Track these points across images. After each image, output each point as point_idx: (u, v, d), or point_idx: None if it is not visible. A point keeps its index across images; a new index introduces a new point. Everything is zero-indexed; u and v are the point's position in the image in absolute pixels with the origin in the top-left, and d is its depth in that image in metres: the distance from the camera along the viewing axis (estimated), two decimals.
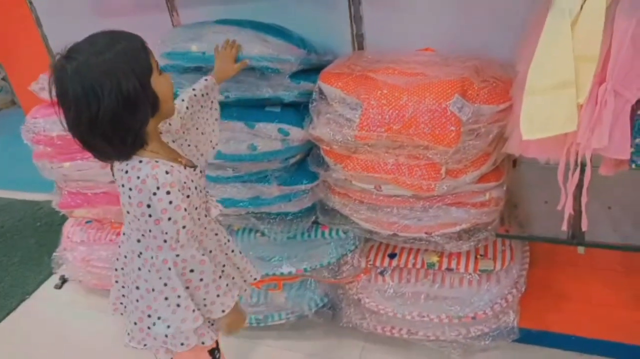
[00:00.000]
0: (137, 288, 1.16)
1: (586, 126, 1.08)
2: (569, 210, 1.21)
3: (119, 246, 1.23)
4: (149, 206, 1.02)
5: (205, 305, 1.15)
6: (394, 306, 1.69)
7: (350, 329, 1.80)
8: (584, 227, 1.21)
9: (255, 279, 1.41)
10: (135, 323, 1.20)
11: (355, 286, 1.76)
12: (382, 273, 1.75)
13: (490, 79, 1.39)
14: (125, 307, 1.26)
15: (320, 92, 1.55)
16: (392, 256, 1.75)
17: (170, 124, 1.21)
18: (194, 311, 1.12)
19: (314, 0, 1.74)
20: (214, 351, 1.30)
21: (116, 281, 1.27)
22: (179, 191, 1.03)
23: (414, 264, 1.70)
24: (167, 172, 1.02)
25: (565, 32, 1.06)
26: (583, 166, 1.15)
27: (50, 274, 2.41)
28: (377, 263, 1.75)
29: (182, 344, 1.17)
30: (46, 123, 1.82)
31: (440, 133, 1.32)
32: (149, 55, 1.04)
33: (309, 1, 1.75)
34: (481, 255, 1.68)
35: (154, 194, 1.01)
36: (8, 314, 2.26)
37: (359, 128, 1.42)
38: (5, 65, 2.59)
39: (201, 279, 1.11)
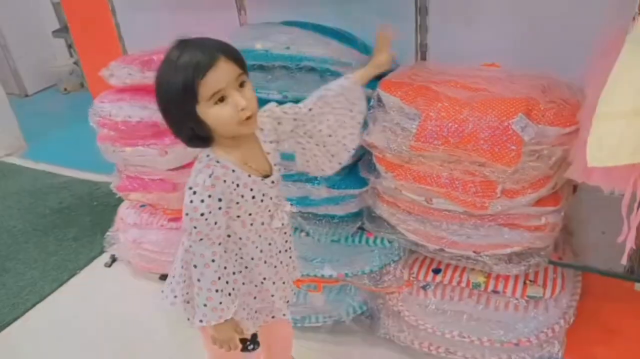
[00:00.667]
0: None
1: None
2: (630, 244, 1.15)
3: None
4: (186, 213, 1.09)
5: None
6: (434, 322, 1.66)
7: (386, 341, 1.78)
8: None
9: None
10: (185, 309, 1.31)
11: (396, 297, 1.74)
12: (424, 288, 1.72)
13: (558, 100, 1.35)
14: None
15: (379, 99, 1.54)
16: (436, 271, 1.72)
17: (262, 129, 1.19)
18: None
19: (381, 7, 1.73)
20: (246, 341, 1.31)
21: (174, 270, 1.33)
22: (213, 196, 1.07)
23: (458, 283, 1.66)
24: (210, 176, 1.06)
25: None
26: None
27: (102, 252, 2.51)
28: (420, 277, 1.72)
29: (200, 321, 1.19)
30: (112, 108, 1.90)
31: (499, 151, 1.29)
32: (194, 87, 0.98)
33: (375, 8, 1.75)
34: (530, 281, 1.62)
35: (189, 188, 1.08)
36: (60, 286, 2.38)
37: (415, 139, 1.40)
38: (79, 50, 2.71)
39: (198, 280, 1.14)
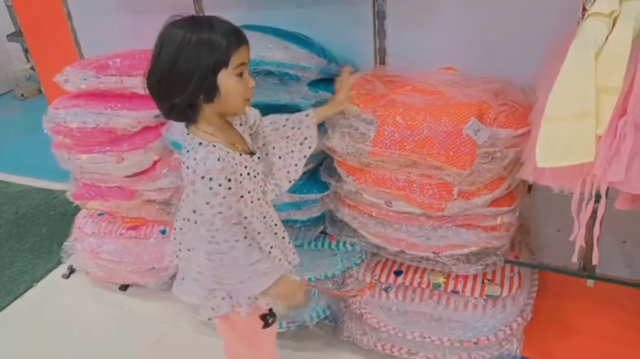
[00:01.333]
0: (188, 249, 1.28)
1: (603, 158, 1.06)
2: (580, 242, 1.19)
3: (179, 210, 1.32)
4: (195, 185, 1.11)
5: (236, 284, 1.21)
6: (396, 324, 1.67)
7: (350, 344, 1.78)
8: (594, 261, 1.18)
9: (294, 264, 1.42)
10: (183, 278, 1.33)
11: (359, 300, 1.75)
12: (386, 290, 1.73)
13: (510, 103, 1.38)
14: (180, 260, 1.34)
15: None
16: (398, 273, 1.73)
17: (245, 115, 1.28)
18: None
19: (340, 12, 1.75)
20: (266, 316, 1.34)
21: (174, 238, 1.33)
22: (226, 178, 1.10)
23: (419, 284, 1.68)
24: (219, 159, 1.09)
25: (588, 62, 1.05)
26: (598, 197, 1.13)
27: (59, 263, 2.43)
28: (383, 279, 1.73)
29: (212, 309, 1.26)
30: (67, 114, 1.85)
31: (454, 155, 1.31)
32: (230, 52, 1.07)
33: (334, 13, 1.76)
34: (489, 280, 1.65)
35: (202, 177, 1.08)
36: (15, 299, 2.29)
37: (373, 144, 1.41)
38: (34, 55, 2.63)
39: (233, 263, 1.16)
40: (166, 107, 1.11)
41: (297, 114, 1.37)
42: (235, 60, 1.08)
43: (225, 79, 1.08)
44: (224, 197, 1.10)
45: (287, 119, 1.35)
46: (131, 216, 2.11)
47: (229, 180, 1.11)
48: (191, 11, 1.98)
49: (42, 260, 2.50)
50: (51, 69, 2.05)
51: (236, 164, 1.14)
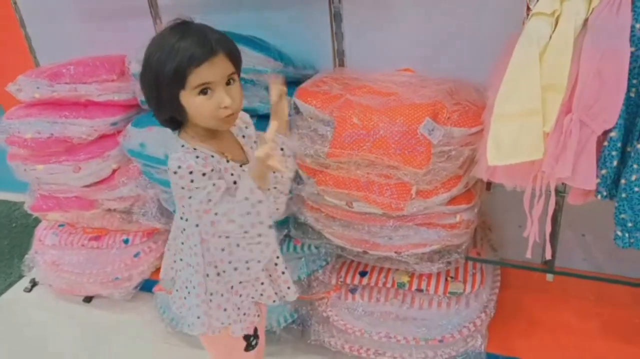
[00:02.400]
0: (181, 259, 1.20)
1: (551, 155, 1.08)
2: (534, 237, 1.21)
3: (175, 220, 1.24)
4: (182, 187, 1.03)
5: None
6: (362, 325, 1.67)
7: (318, 347, 1.77)
8: (547, 256, 1.20)
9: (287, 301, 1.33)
10: (177, 290, 1.24)
11: (325, 303, 1.74)
12: (352, 291, 1.74)
13: (464, 102, 1.40)
14: (175, 272, 1.27)
15: (296, 107, 1.55)
16: (363, 274, 1.74)
17: (235, 125, 1.16)
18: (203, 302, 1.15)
19: (297, 15, 1.75)
20: (250, 338, 1.27)
21: (168, 249, 1.29)
22: (203, 175, 1.02)
23: (384, 284, 1.69)
24: (197, 157, 1.03)
25: (533, 61, 1.07)
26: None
27: (21, 276, 2.37)
28: (348, 280, 1.73)
29: (190, 324, 1.18)
30: (21, 124, 1.80)
31: (409, 155, 1.32)
32: (186, 73, 0.97)
33: (292, 16, 1.76)
34: (451, 277, 1.67)
35: (174, 172, 1.02)
36: None
37: (331, 146, 1.41)
38: None
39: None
40: (159, 115, 1.07)
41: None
42: (192, 81, 0.98)
43: (187, 100, 1.01)
44: (207, 189, 1.02)
45: None
46: (92, 226, 2.07)
47: (204, 175, 1.02)
48: (147, 17, 1.96)
49: (3, 274, 2.43)
50: (6, 77, 1.99)
51: (221, 170, 1.07)
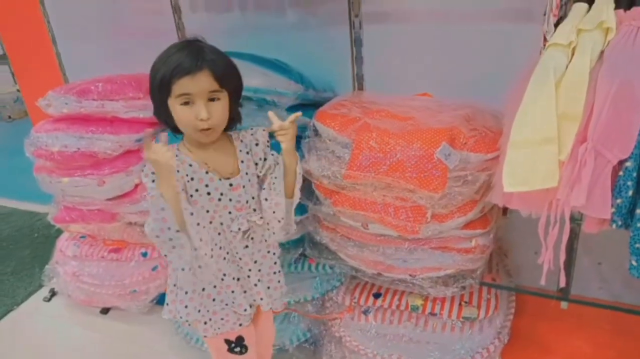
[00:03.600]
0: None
1: (566, 183, 1.09)
2: (547, 265, 1.21)
3: None
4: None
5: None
6: (374, 346, 1.67)
7: None
8: (562, 284, 1.20)
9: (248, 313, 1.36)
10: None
11: (338, 323, 1.75)
12: (365, 312, 1.74)
13: (480, 128, 1.41)
14: None
15: (315, 128, 1.58)
16: (377, 295, 1.74)
17: (242, 141, 1.25)
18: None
19: (318, 39, 1.79)
20: (230, 343, 1.34)
21: None
22: (152, 173, 1.13)
23: (397, 306, 1.69)
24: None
25: (549, 90, 1.08)
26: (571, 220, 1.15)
27: (41, 286, 2.41)
28: (362, 302, 1.74)
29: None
30: (48, 138, 1.86)
31: (426, 178, 1.34)
32: (172, 81, 1.08)
33: (313, 40, 1.81)
34: (466, 302, 1.67)
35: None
36: None
37: (348, 167, 1.44)
38: (18, 78, 2.66)
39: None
40: (159, 120, 1.20)
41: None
42: (175, 90, 1.09)
43: (172, 107, 1.12)
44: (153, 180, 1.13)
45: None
46: (113, 238, 2.11)
47: (152, 173, 1.13)
48: (173, 36, 2.03)
49: (24, 283, 2.48)
50: (36, 92, 2.06)
51: (192, 179, 1.16)
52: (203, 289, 1.27)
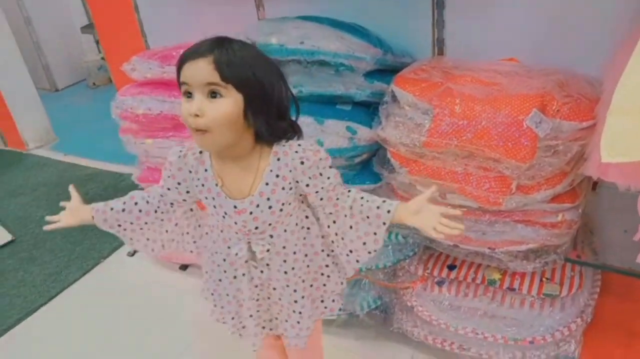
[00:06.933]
0: None
1: None
2: None
3: None
4: None
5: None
6: (447, 318, 1.65)
7: (400, 335, 1.77)
8: None
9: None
10: None
11: (410, 292, 1.74)
12: (439, 284, 1.71)
13: (575, 95, 1.32)
14: None
15: (393, 95, 1.54)
16: (451, 267, 1.71)
17: (278, 159, 1.08)
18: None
19: (397, 2, 1.73)
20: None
21: None
22: (170, 164, 1.13)
23: (473, 279, 1.65)
24: (180, 151, 1.12)
25: None
26: None
27: None
28: (435, 273, 1.71)
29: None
30: (133, 101, 1.94)
31: (513, 147, 1.27)
32: (179, 69, 1.00)
33: (391, 3, 1.74)
34: (547, 278, 1.59)
35: None
36: (84, 274, 2.46)
37: (428, 135, 1.39)
38: (103, 46, 2.77)
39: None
40: None
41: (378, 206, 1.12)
42: (180, 77, 0.99)
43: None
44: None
45: (366, 200, 1.13)
46: None
47: (170, 163, 1.12)
48: (251, 4, 2.03)
49: (109, 238, 2.60)
50: (120, 59, 2.15)
51: (203, 185, 1.10)
52: (220, 280, 1.24)
